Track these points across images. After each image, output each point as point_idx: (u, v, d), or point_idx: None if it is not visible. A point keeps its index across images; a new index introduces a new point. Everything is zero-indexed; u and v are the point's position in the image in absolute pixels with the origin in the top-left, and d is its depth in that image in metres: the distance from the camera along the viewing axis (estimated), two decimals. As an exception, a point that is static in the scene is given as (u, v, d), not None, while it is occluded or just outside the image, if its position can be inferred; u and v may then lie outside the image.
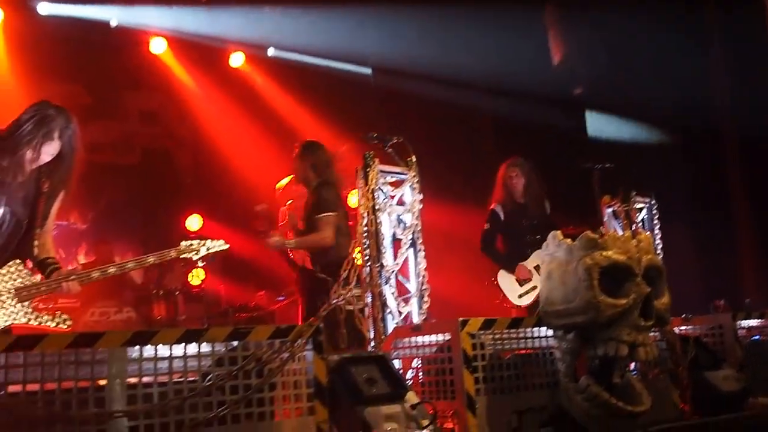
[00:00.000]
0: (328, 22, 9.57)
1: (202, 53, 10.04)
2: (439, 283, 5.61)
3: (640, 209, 6.35)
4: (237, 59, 10.39)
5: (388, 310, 4.79)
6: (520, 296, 6.69)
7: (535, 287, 6.59)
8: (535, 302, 6.55)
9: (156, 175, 10.30)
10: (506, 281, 6.75)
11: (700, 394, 4.27)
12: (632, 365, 4.04)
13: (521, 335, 3.91)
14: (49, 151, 3.87)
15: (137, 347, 2.87)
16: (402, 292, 5.04)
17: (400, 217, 5.17)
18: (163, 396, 2.88)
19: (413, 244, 5.12)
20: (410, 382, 3.79)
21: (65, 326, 3.78)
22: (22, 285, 3.78)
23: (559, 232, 3.70)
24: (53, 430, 2.64)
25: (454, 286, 7.40)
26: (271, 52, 10.59)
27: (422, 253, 5.11)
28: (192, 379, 2.98)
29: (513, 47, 9.52)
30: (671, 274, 3.74)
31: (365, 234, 4.75)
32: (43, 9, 9.01)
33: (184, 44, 9.89)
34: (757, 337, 5.03)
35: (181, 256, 4.25)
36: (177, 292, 8.56)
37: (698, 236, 9.76)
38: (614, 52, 9.84)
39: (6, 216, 3.81)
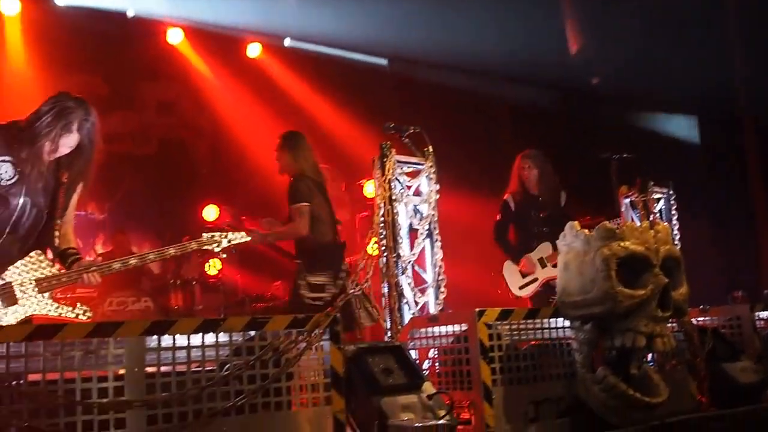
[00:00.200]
0: (344, 11, 9.54)
1: (219, 44, 10.04)
2: (456, 273, 5.62)
3: (658, 199, 6.33)
4: (254, 49, 10.40)
5: (405, 301, 4.81)
6: (521, 288, 6.68)
7: (536, 279, 6.61)
8: (536, 293, 6.56)
9: (173, 166, 10.35)
10: (510, 272, 6.75)
11: (717, 386, 4.26)
12: (650, 356, 4.03)
13: (538, 326, 3.90)
14: (68, 143, 3.86)
15: (155, 337, 2.89)
16: (418, 282, 5.06)
17: (417, 207, 5.17)
18: (182, 385, 2.90)
19: (430, 235, 5.13)
20: (427, 373, 3.79)
21: (85, 318, 3.79)
22: (43, 276, 3.80)
23: (576, 222, 3.69)
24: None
25: (470, 276, 7.39)
26: (287, 42, 10.59)
27: (439, 244, 5.12)
28: (210, 368, 3.00)
29: (530, 36, 9.47)
30: (689, 265, 3.72)
31: (382, 224, 4.76)
32: (60, 0, 9.04)
33: (200, 35, 9.90)
34: (775, 329, 5.01)
35: (203, 248, 4.25)
36: (194, 282, 8.59)
37: (716, 227, 9.72)
38: (632, 41, 9.77)
39: (26, 206, 3.81)
